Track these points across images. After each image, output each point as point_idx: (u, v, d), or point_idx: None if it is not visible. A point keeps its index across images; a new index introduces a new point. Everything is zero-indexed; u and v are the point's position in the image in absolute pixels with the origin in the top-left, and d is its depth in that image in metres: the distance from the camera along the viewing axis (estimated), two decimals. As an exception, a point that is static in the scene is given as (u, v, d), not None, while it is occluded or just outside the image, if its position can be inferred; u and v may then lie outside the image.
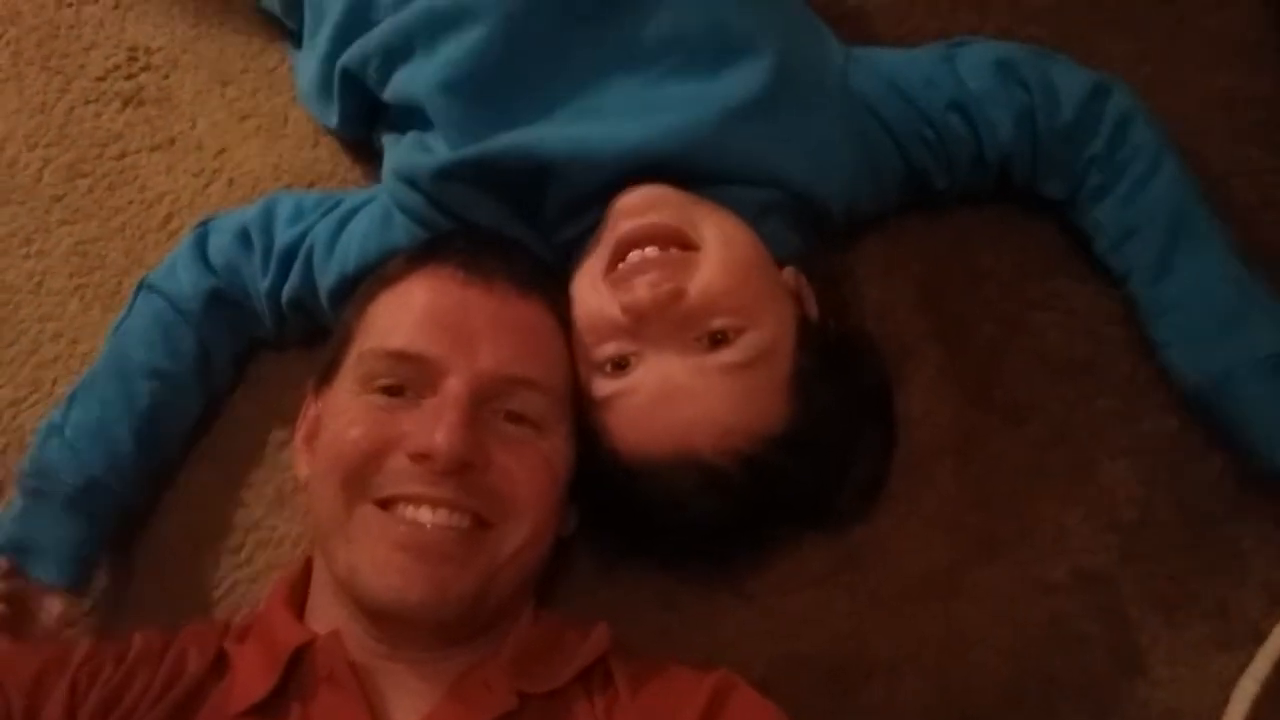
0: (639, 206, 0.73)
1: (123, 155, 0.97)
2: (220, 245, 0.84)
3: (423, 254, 0.75)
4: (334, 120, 0.90)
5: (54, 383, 0.89)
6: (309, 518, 0.75)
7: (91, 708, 0.63)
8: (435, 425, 0.65)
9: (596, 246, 0.74)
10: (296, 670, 0.66)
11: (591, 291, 0.72)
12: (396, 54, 0.80)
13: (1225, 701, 0.75)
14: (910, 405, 0.84)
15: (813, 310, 0.76)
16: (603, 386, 0.71)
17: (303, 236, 0.82)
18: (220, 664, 0.68)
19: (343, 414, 0.69)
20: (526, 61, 0.77)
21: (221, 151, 0.97)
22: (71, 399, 0.81)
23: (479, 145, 0.75)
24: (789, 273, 0.76)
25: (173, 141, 0.97)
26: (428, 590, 0.64)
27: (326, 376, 0.74)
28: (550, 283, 0.75)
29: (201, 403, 0.84)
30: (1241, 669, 0.76)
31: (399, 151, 0.82)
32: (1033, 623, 0.79)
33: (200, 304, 0.82)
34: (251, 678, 0.66)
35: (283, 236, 0.82)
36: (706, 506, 0.70)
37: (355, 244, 0.80)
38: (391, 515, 0.66)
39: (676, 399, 0.68)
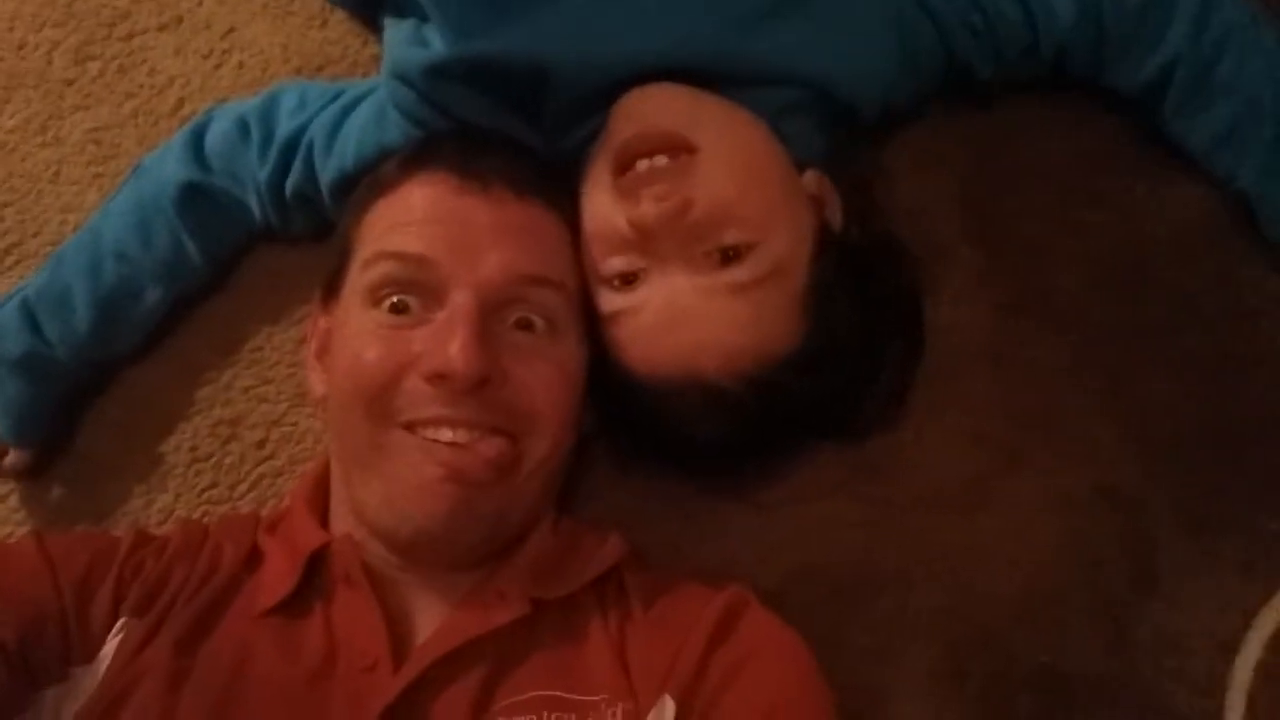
0: (642, 109, 0.68)
1: (130, 35, 0.94)
2: (218, 133, 0.82)
3: (415, 158, 0.72)
4: None
5: (78, 275, 0.89)
6: (329, 431, 0.75)
7: (135, 599, 0.66)
8: (447, 343, 0.64)
9: (602, 151, 0.70)
10: (316, 571, 0.68)
11: (599, 200, 0.69)
12: None
13: (1244, 628, 0.74)
14: (941, 310, 0.80)
15: (835, 217, 0.72)
16: (610, 300, 0.69)
17: (304, 128, 0.79)
18: (254, 557, 0.71)
19: (353, 335, 0.68)
20: None
21: (230, 31, 0.93)
22: (44, 267, 0.82)
23: (474, 43, 0.71)
24: (810, 177, 0.72)
25: (180, 20, 0.94)
26: (461, 509, 0.64)
27: (332, 289, 0.72)
28: (549, 183, 0.72)
29: (166, 295, 0.83)
30: (1264, 597, 0.75)
31: (394, 44, 0.78)
32: (1051, 538, 0.78)
33: (176, 195, 0.80)
34: (275, 578, 0.68)
35: (285, 126, 0.80)
36: (714, 427, 0.69)
37: (352, 140, 0.77)
38: (422, 440, 0.65)
39: (682, 321, 0.66)
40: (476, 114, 0.73)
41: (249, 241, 0.86)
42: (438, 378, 0.64)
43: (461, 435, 0.65)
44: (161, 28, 0.94)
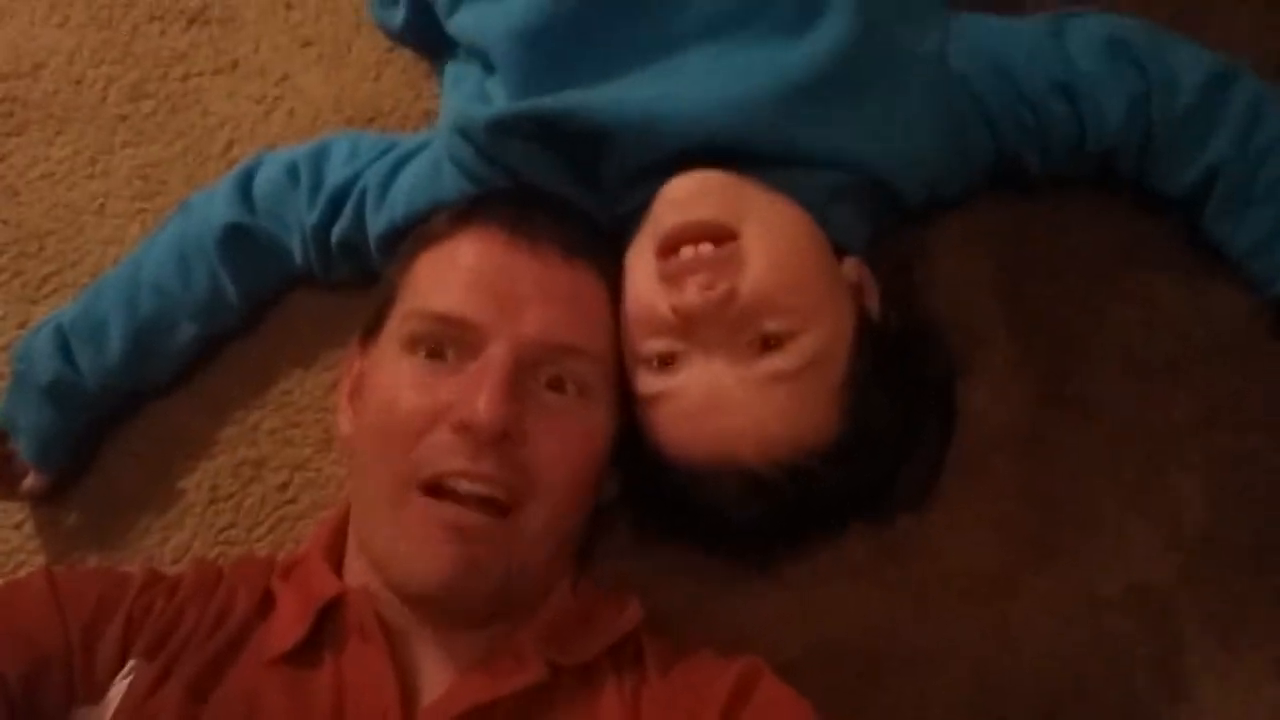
0: (686, 196, 0.69)
1: (186, 77, 0.95)
2: (266, 177, 0.83)
3: (468, 212, 0.72)
4: (398, 21, 0.87)
5: (114, 307, 0.90)
6: (350, 474, 0.75)
7: (146, 641, 0.65)
8: (477, 394, 0.64)
9: (646, 233, 0.70)
10: (329, 621, 0.68)
11: (642, 283, 0.69)
12: None
13: (1272, 735, 0.73)
14: (974, 396, 0.80)
15: (874, 304, 0.72)
16: (648, 382, 0.69)
17: (356, 177, 0.80)
18: (266, 603, 0.70)
19: (388, 379, 0.68)
20: (604, 17, 0.72)
21: (283, 78, 0.94)
22: (82, 296, 0.83)
23: (539, 101, 0.72)
24: (851, 265, 0.72)
25: (235, 65, 0.95)
26: (462, 568, 0.64)
27: (371, 332, 0.73)
28: (599, 248, 0.72)
29: (200, 333, 0.84)
30: (1295, 702, 0.73)
31: (456, 98, 0.79)
32: (1080, 634, 0.77)
33: (220, 235, 0.81)
34: (286, 625, 0.67)
35: (335, 175, 0.81)
36: (748, 510, 0.68)
37: (404, 193, 0.78)
38: (441, 503, 0.65)
39: (722, 408, 0.66)
40: (535, 173, 0.74)
41: (288, 286, 0.87)
42: (463, 428, 0.64)
43: (477, 486, 0.65)
44: (217, 71, 0.95)
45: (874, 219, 0.75)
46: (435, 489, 0.65)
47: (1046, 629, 0.77)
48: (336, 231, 0.81)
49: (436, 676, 0.67)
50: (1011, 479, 0.80)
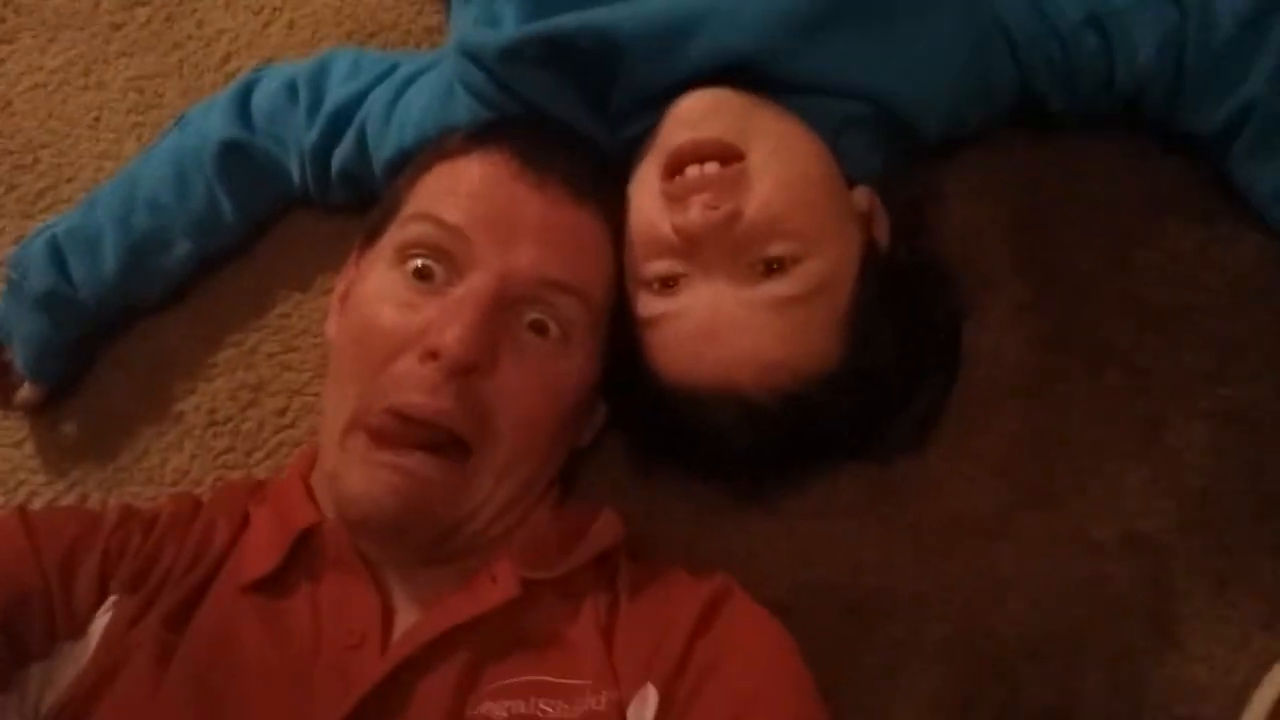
0: (696, 114, 0.67)
1: (182, -16, 0.92)
2: (266, 93, 0.81)
3: (483, 134, 0.71)
4: None
5: (111, 223, 0.88)
6: (326, 377, 0.74)
7: (123, 578, 0.66)
8: (453, 321, 0.63)
9: (652, 152, 0.68)
10: (304, 549, 0.67)
11: (646, 203, 0.68)
12: None
13: (1257, 683, 0.73)
14: (980, 339, 0.79)
15: (883, 236, 0.70)
16: (649, 304, 0.68)
17: (357, 99, 0.78)
18: (242, 527, 0.70)
19: (373, 292, 0.68)
20: None
21: (282, -11, 0.91)
22: (77, 208, 0.82)
23: (557, 21, 0.69)
24: (861, 193, 0.70)
25: (233, -28, 0.92)
26: (403, 508, 0.63)
27: (371, 238, 0.72)
28: (607, 189, 0.71)
29: (196, 250, 0.82)
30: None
31: (464, 22, 0.76)
32: (1072, 578, 0.77)
33: (217, 151, 0.80)
34: (259, 552, 0.67)
35: (335, 94, 0.79)
36: (745, 438, 0.68)
37: (414, 116, 0.76)
38: (381, 451, 0.64)
39: (722, 331, 0.65)
40: (546, 98, 0.72)
41: (286, 205, 0.85)
42: (430, 356, 0.63)
43: (438, 419, 0.63)
44: (214, -21, 0.92)
45: (887, 151, 0.73)
46: (379, 433, 0.64)
47: (1039, 572, 0.77)
48: (337, 157, 0.79)
49: (405, 608, 0.67)
50: (1013, 423, 0.79)
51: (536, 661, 0.64)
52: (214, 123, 0.81)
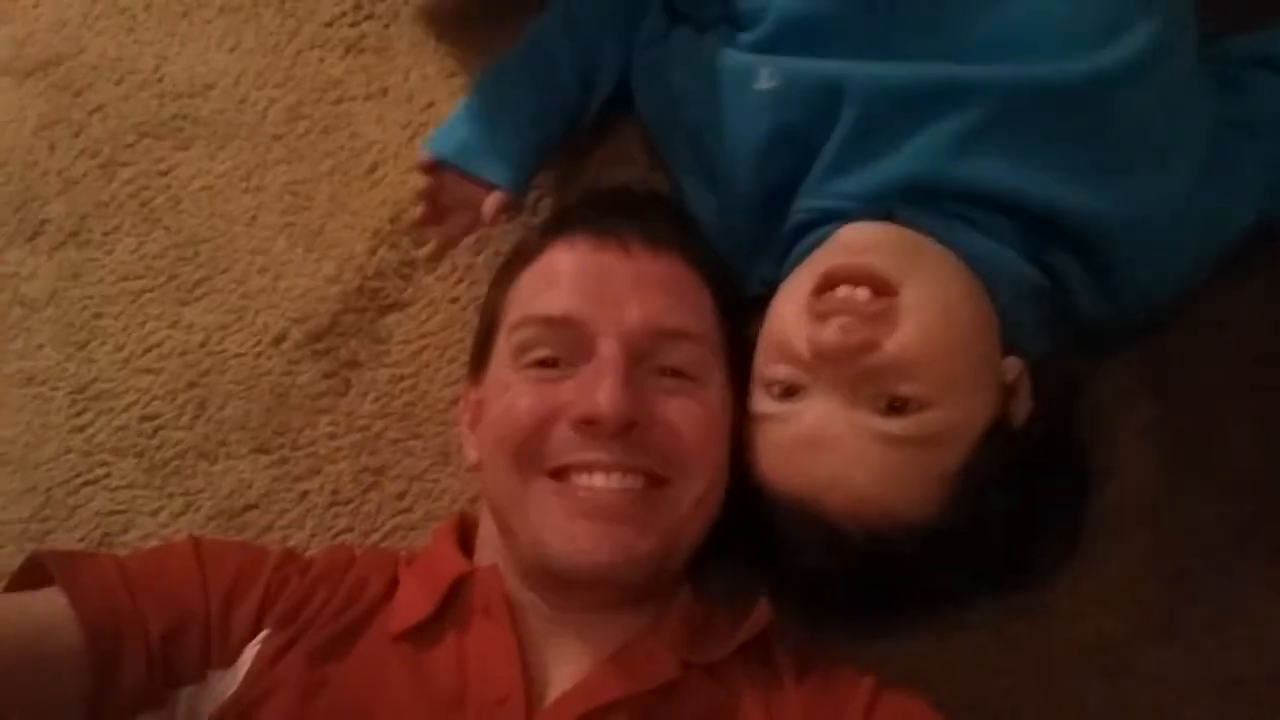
0: (860, 244, 0.68)
1: (339, 101, 1.00)
2: None
3: (554, 228, 0.75)
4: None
5: (256, 314, 0.94)
6: (485, 499, 0.76)
7: (279, 613, 0.68)
8: (595, 389, 0.65)
9: (808, 265, 0.70)
10: (455, 600, 0.69)
11: (788, 309, 0.69)
12: None
13: None
14: (1112, 457, 0.77)
15: (1021, 412, 0.68)
16: (763, 404, 0.69)
17: None
18: (393, 587, 0.72)
19: (504, 390, 0.70)
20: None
21: (429, 105, 0.99)
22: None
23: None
24: (1011, 363, 0.68)
25: (385, 92, 1.00)
26: (615, 552, 0.65)
27: (481, 362, 0.75)
28: (685, 236, 0.74)
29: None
30: None
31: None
32: (1203, 717, 0.72)
33: None
34: (412, 602, 0.69)
35: None
36: (820, 561, 0.67)
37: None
38: (566, 485, 0.66)
39: (824, 447, 0.65)
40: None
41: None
42: (585, 423, 0.65)
43: (615, 480, 0.66)
44: (368, 97, 1.00)
45: (1058, 333, 0.71)
46: (560, 475, 0.66)
47: (1168, 708, 0.73)
48: None
49: (561, 664, 0.67)
50: (1142, 549, 0.76)
51: None
52: None
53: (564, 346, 0.68)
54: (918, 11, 0.70)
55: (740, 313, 0.74)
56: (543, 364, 0.69)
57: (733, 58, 0.76)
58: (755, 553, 0.74)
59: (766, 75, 0.73)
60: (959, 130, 0.69)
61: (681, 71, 0.80)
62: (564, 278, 0.71)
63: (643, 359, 0.68)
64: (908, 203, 0.70)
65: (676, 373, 0.69)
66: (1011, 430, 0.67)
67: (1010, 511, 0.67)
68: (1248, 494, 0.76)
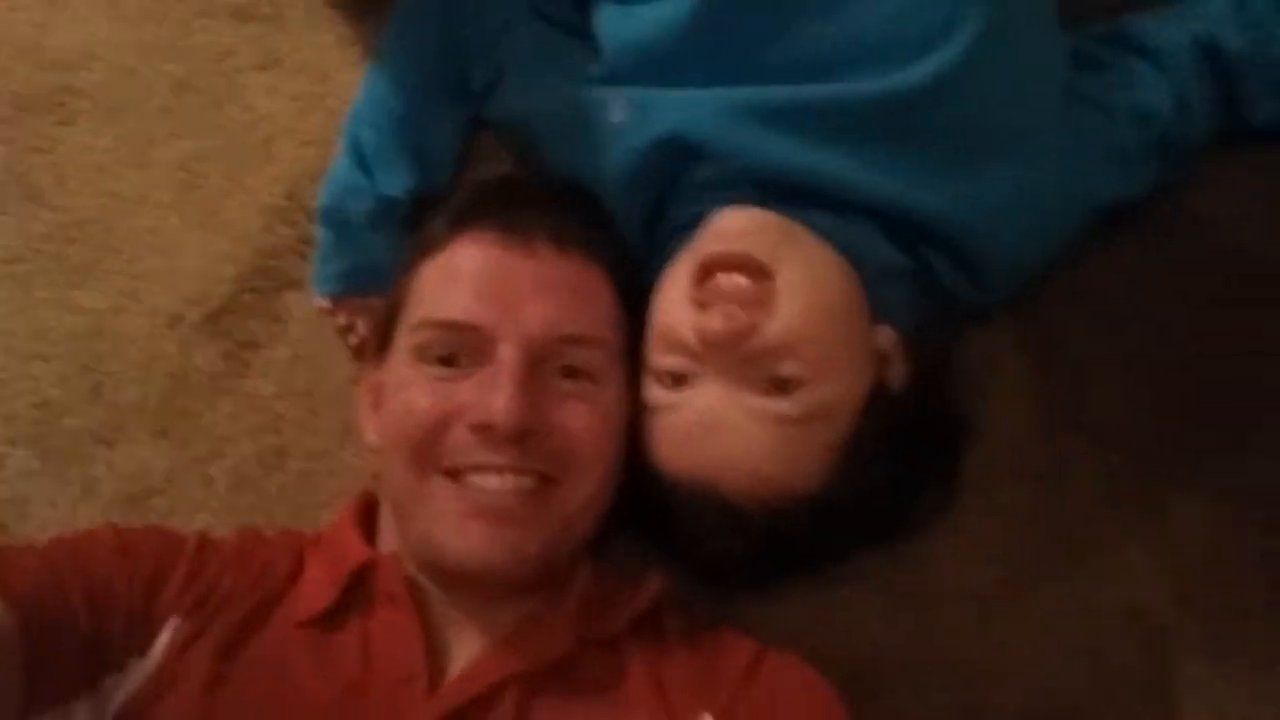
0: (734, 230, 0.71)
1: (231, 72, 0.98)
2: None
3: (461, 219, 0.75)
4: None
5: (150, 295, 0.92)
6: (381, 480, 0.77)
7: (190, 600, 0.68)
8: (493, 395, 0.66)
9: (687, 255, 0.72)
10: (359, 587, 0.70)
11: (672, 300, 0.71)
12: None
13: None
14: (985, 416, 0.81)
15: (897, 379, 0.71)
16: (656, 393, 0.71)
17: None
18: (298, 570, 0.73)
19: (403, 386, 0.71)
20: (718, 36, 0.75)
21: (324, 78, 0.97)
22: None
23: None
24: (884, 333, 0.72)
25: (278, 62, 0.98)
26: (506, 552, 0.67)
27: (383, 343, 0.75)
28: (591, 231, 0.75)
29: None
30: (1277, 723, 0.74)
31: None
32: (1071, 650, 0.78)
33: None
34: (315, 590, 0.70)
35: None
36: (721, 542, 0.70)
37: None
38: (462, 485, 0.68)
39: (717, 431, 0.67)
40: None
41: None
42: (482, 428, 0.66)
43: (508, 481, 0.67)
44: (260, 68, 0.98)
45: (926, 309, 0.75)
46: (455, 474, 0.68)
47: (1041, 647, 0.78)
48: None
49: (462, 646, 0.69)
50: (1015, 501, 0.81)
51: (587, 714, 0.66)
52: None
53: (464, 347, 0.69)
54: (753, 39, 0.73)
55: (643, 300, 0.75)
56: (442, 361, 0.70)
57: (586, 91, 0.78)
58: (656, 533, 0.76)
59: (618, 106, 0.76)
60: (804, 144, 0.72)
61: (541, 106, 0.82)
62: (466, 279, 0.71)
63: (542, 362, 0.69)
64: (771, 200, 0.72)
65: (575, 373, 0.70)
66: (890, 397, 0.70)
67: (894, 474, 0.70)
68: (1114, 445, 0.81)
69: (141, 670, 0.66)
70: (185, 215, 0.95)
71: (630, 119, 0.75)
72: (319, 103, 0.96)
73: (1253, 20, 0.75)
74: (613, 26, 0.79)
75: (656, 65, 0.75)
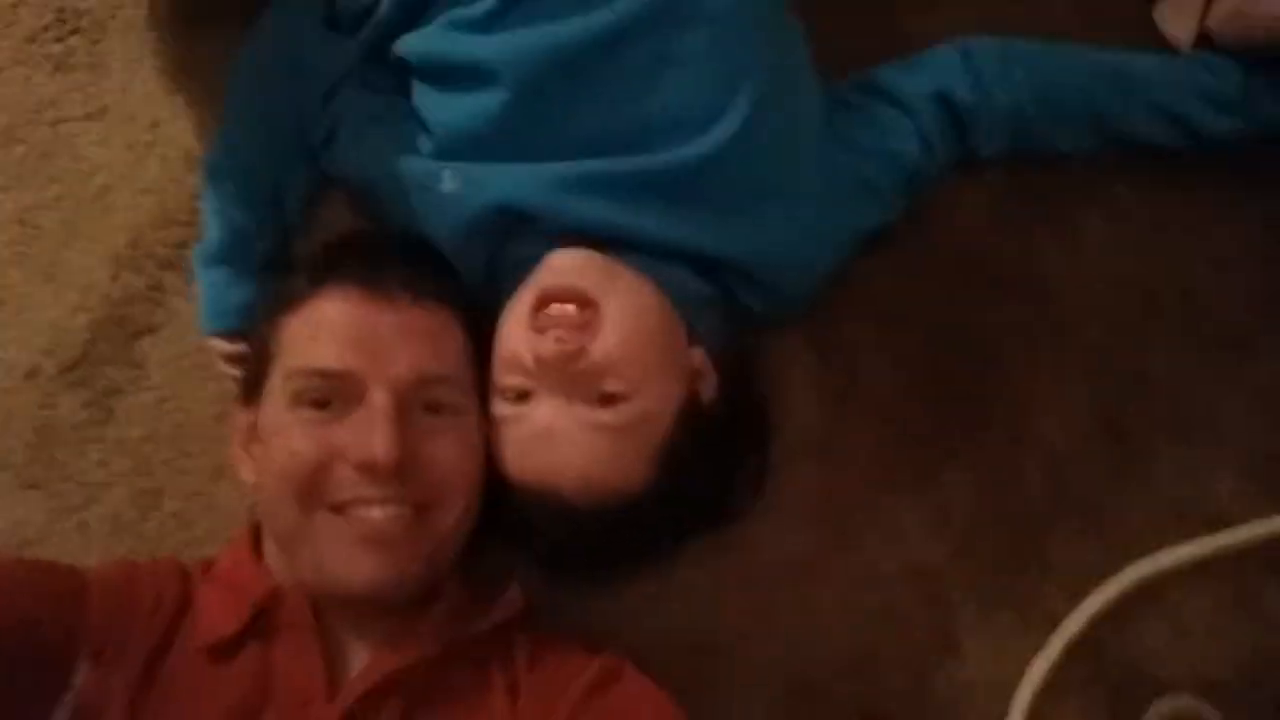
0: (565, 267, 0.82)
1: (56, 122, 0.99)
2: None
3: (323, 273, 0.82)
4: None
5: (2, 348, 0.95)
6: (261, 512, 0.84)
7: (95, 641, 0.72)
8: (371, 435, 0.75)
9: (527, 288, 0.82)
10: (261, 614, 0.77)
11: (514, 327, 0.81)
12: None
13: (1018, 677, 0.92)
14: (784, 406, 0.94)
15: (708, 391, 0.84)
16: (501, 408, 0.82)
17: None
18: (186, 603, 0.78)
19: (280, 430, 0.78)
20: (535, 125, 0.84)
21: (154, 124, 0.99)
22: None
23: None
24: (695, 354, 0.84)
25: (105, 110, 1.00)
26: (391, 574, 0.76)
27: (253, 389, 0.82)
28: (443, 281, 0.84)
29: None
30: (1037, 651, 0.92)
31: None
32: (868, 605, 0.94)
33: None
34: (217, 617, 0.77)
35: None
36: (563, 537, 0.82)
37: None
38: (346, 518, 0.76)
39: (553, 441, 0.78)
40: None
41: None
42: (365, 467, 0.75)
43: (390, 510, 0.76)
44: (87, 117, 1.00)
45: (729, 322, 0.88)
46: (339, 509, 0.76)
47: (842, 604, 0.94)
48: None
49: (357, 655, 0.78)
50: (812, 479, 0.95)
51: (460, 714, 0.76)
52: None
53: (337, 393, 0.77)
54: (563, 123, 0.84)
55: (487, 333, 0.84)
56: (315, 404, 0.77)
57: (418, 162, 0.87)
58: (509, 531, 0.87)
59: (449, 178, 0.85)
60: (618, 208, 0.83)
61: (374, 170, 0.89)
62: (335, 330, 0.78)
63: (410, 402, 0.78)
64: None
65: (439, 408, 0.80)
66: (701, 406, 0.83)
67: (709, 470, 0.84)
68: (887, 420, 0.96)
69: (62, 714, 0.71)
70: (26, 268, 0.97)
71: (462, 189, 0.84)
72: (152, 150, 0.99)
73: (977, 76, 0.90)
74: (435, 111, 0.87)
75: (480, 145, 0.84)
